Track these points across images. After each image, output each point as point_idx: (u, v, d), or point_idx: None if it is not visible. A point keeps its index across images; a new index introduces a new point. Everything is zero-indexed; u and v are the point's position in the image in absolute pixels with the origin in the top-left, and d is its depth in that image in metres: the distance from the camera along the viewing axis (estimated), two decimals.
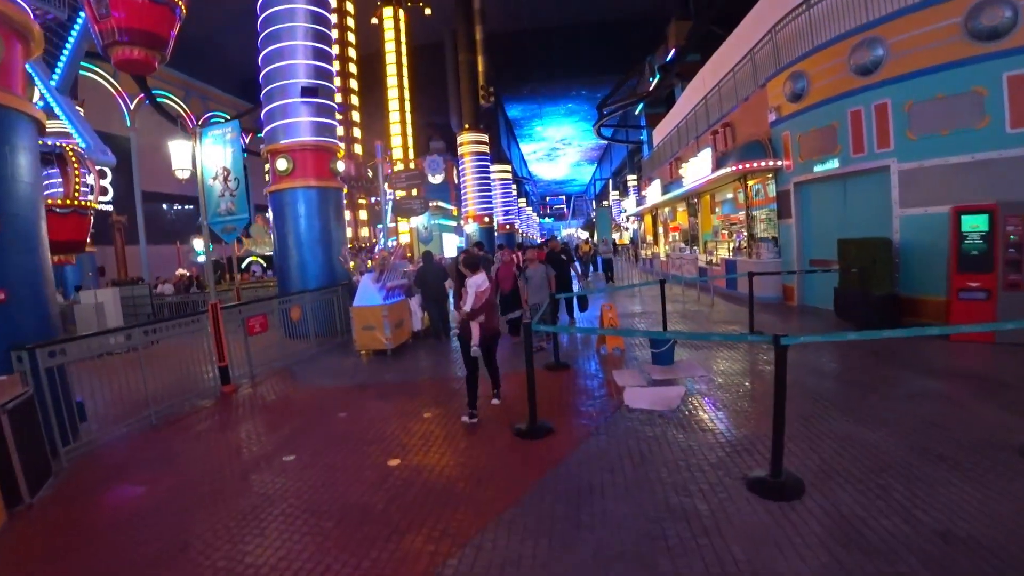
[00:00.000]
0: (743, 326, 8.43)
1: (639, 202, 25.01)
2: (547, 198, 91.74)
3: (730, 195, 16.47)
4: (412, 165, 22.96)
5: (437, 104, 36.33)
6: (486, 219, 30.70)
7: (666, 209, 22.29)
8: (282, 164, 10.26)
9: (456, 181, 32.58)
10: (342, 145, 11.22)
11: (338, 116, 17.97)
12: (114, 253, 25.76)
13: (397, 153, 26.22)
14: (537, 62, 41.78)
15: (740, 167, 10.86)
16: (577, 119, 52.09)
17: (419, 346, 8.74)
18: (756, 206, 12.04)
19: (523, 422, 4.44)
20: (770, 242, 11.08)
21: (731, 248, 13.31)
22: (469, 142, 30.72)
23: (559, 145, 60.56)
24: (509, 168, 42.89)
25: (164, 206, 30.60)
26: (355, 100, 19.57)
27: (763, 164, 10.50)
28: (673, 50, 28.82)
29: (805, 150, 9.70)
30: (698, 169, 13.50)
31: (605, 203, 51.98)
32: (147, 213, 28.24)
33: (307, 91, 10.28)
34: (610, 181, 54.22)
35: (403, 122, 26.49)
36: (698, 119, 17.00)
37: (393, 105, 26.46)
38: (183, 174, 6.82)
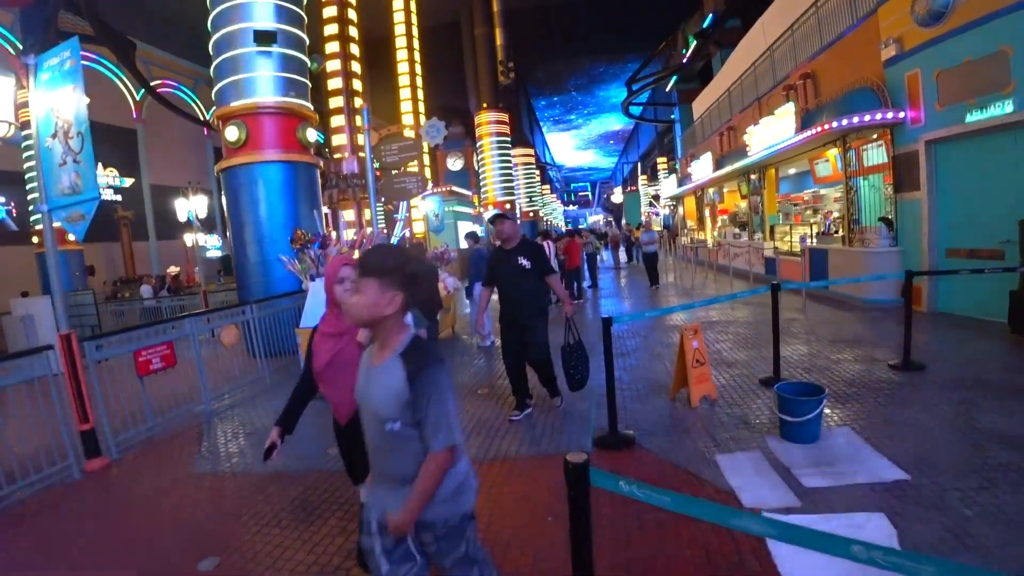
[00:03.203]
0: (886, 348, 5.69)
1: (681, 182, 21.99)
2: (571, 184, 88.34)
3: (792, 170, 13.55)
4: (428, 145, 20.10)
5: (453, 89, 33.74)
6: (507, 206, 28.08)
7: (711, 190, 19.32)
8: (232, 133, 7.84)
9: (475, 167, 30.04)
10: (311, 106, 8.73)
11: (340, 111, 15.35)
12: (121, 249, 24.44)
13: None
14: (560, 37, 38.52)
15: (845, 123, 7.97)
16: (604, 93, 48.60)
17: None
18: (853, 177, 9.16)
19: None
20: (881, 225, 8.21)
21: (814, 233, 10.41)
22: (487, 122, 28.07)
23: (582, 123, 56.89)
24: (532, 152, 39.95)
25: (174, 200, 28.94)
26: (359, 103, 15.98)
27: (881, 117, 7.60)
28: (711, 15, 25.67)
29: (948, 92, 6.83)
30: (773, 132, 10.56)
31: (632, 188, 48.93)
32: (156, 207, 26.54)
33: (262, 36, 7.81)
34: (638, 165, 50.80)
35: (415, 99, 23.80)
36: (758, 78, 14.01)
37: (404, 80, 23.77)
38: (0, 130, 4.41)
